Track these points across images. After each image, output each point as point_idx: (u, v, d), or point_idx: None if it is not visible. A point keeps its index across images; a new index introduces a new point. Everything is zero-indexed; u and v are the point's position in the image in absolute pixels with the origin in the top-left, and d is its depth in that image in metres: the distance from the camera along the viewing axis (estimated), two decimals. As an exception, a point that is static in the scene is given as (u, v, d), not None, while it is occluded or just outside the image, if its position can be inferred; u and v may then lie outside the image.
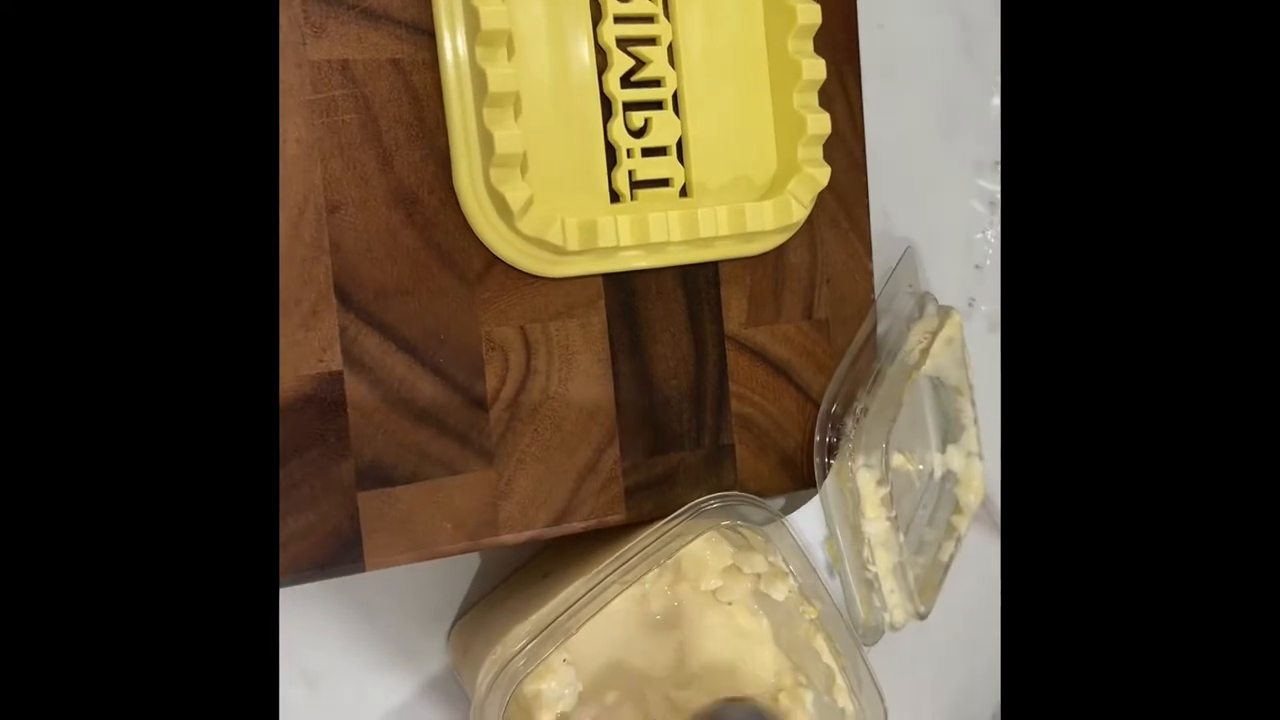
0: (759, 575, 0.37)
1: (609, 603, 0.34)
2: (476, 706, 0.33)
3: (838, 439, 0.39)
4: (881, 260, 0.43)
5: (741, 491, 0.39)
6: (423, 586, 0.40)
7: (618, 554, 0.35)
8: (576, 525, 0.37)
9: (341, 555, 0.33)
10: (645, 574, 0.35)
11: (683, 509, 0.36)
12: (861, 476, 0.39)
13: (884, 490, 0.39)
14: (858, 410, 0.39)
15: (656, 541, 0.35)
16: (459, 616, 0.40)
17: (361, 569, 0.34)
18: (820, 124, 0.37)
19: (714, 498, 0.36)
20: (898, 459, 0.43)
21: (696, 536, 0.35)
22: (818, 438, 0.39)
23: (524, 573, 0.40)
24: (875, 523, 0.39)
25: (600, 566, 0.35)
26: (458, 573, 0.41)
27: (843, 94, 0.41)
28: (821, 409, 0.40)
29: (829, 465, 0.39)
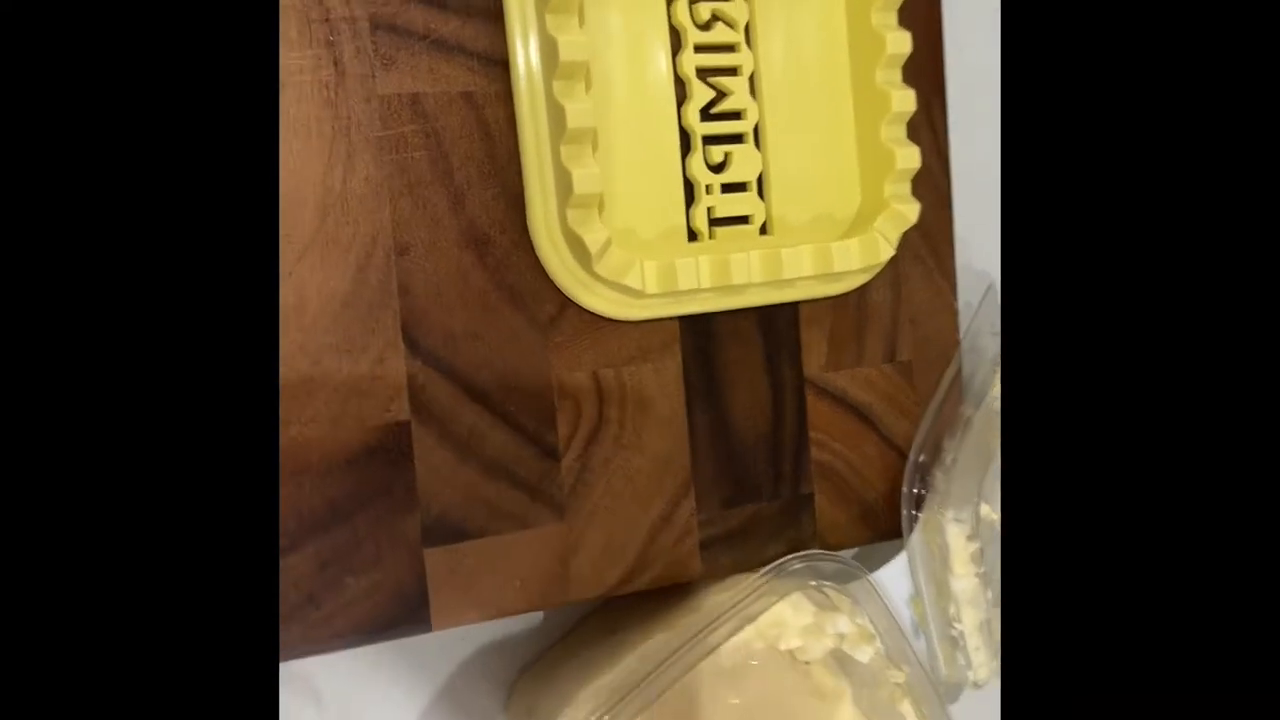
0: (842, 635, 0.35)
1: (691, 668, 0.32)
2: None
3: (925, 490, 0.37)
4: (961, 297, 0.41)
5: (821, 543, 0.37)
6: (480, 639, 0.38)
7: (696, 618, 0.33)
8: (649, 581, 0.35)
9: (407, 615, 0.32)
10: (726, 638, 0.33)
11: (765, 569, 0.34)
12: (951, 531, 0.37)
13: (974, 546, 0.36)
14: (947, 460, 0.37)
15: (737, 605, 0.33)
16: (521, 672, 0.38)
17: (427, 629, 0.32)
18: (910, 158, 0.35)
19: (797, 558, 0.34)
20: (984, 509, 0.40)
21: (780, 599, 0.33)
22: (905, 489, 0.37)
23: (588, 627, 0.38)
24: (964, 579, 0.37)
25: (677, 629, 0.33)
26: (516, 624, 0.39)
27: (929, 125, 0.39)
28: (910, 459, 0.38)
29: (916, 518, 0.37)
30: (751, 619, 0.33)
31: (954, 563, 0.37)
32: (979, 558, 0.37)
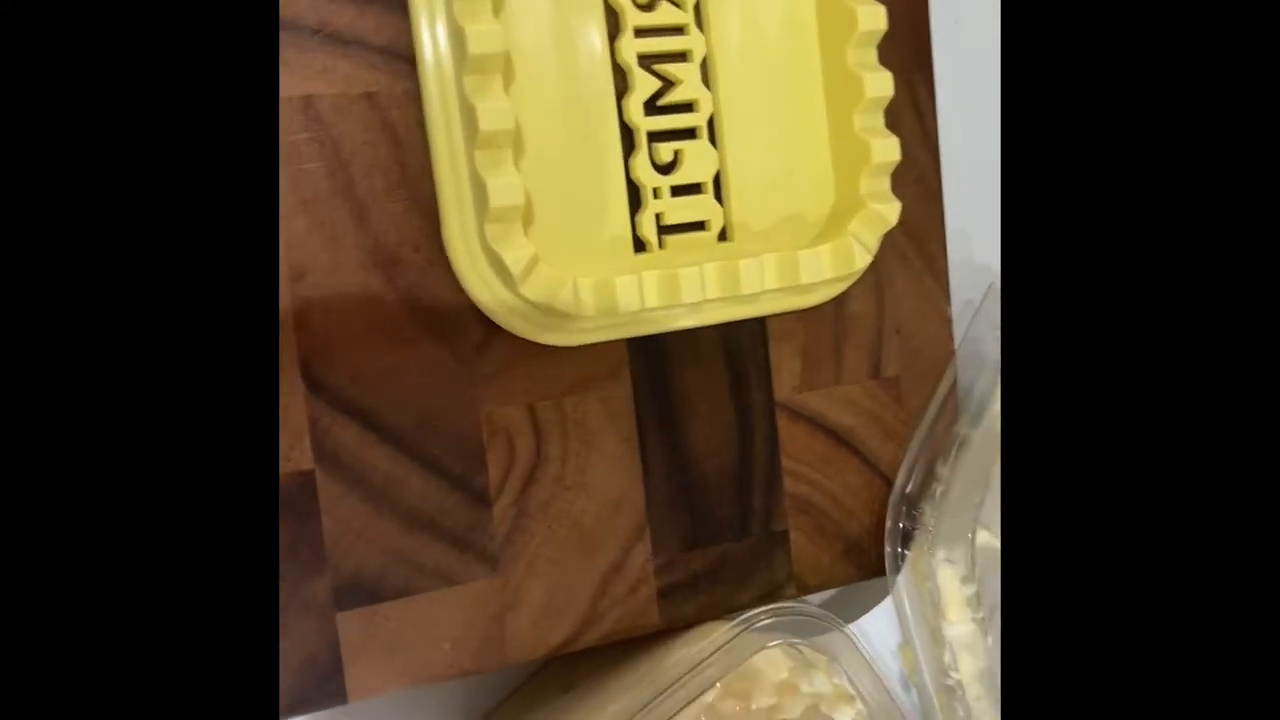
0: (820, 695, 0.31)
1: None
2: None
3: (914, 525, 0.33)
4: (961, 295, 0.37)
5: (799, 585, 0.33)
6: (418, 697, 0.35)
7: (648, 681, 0.29)
8: (599, 637, 0.31)
9: (319, 688, 0.28)
10: (684, 705, 0.29)
11: (729, 627, 0.30)
12: (943, 573, 0.32)
13: (969, 590, 0.32)
14: (937, 491, 0.33)
15: (697, 667, 0.29)
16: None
17: (343, 701, 0.29)
18: (887, 150, 0.31)
19: (764, 612, 0.30)
20: (983, 535, 0.36)
21: (748, 658, 0.29)
22: (889, 523, 0.33)
23: (539, 682, 0.35)
24: (958, 625, 0.32)
25: (639, 690, 0.29)
26: (458, 681, 0.35)
27: (913, 107, 0.34)
28: (895, 488, 0.34)
29: (903, 556, 0.33)
30: (711, 682, 0.29)
31: (947, 609, 0.32)
32: (975, 602, 0.32)
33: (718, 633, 0.31)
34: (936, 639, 0.33)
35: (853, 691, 0.31)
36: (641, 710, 0.29)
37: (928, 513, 0.33)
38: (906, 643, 0.33)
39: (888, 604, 0.33)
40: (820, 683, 0.31)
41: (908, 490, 0.33)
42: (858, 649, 0.31)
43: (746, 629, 0.30)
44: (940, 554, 0.32)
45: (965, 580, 0.32)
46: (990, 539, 0.36)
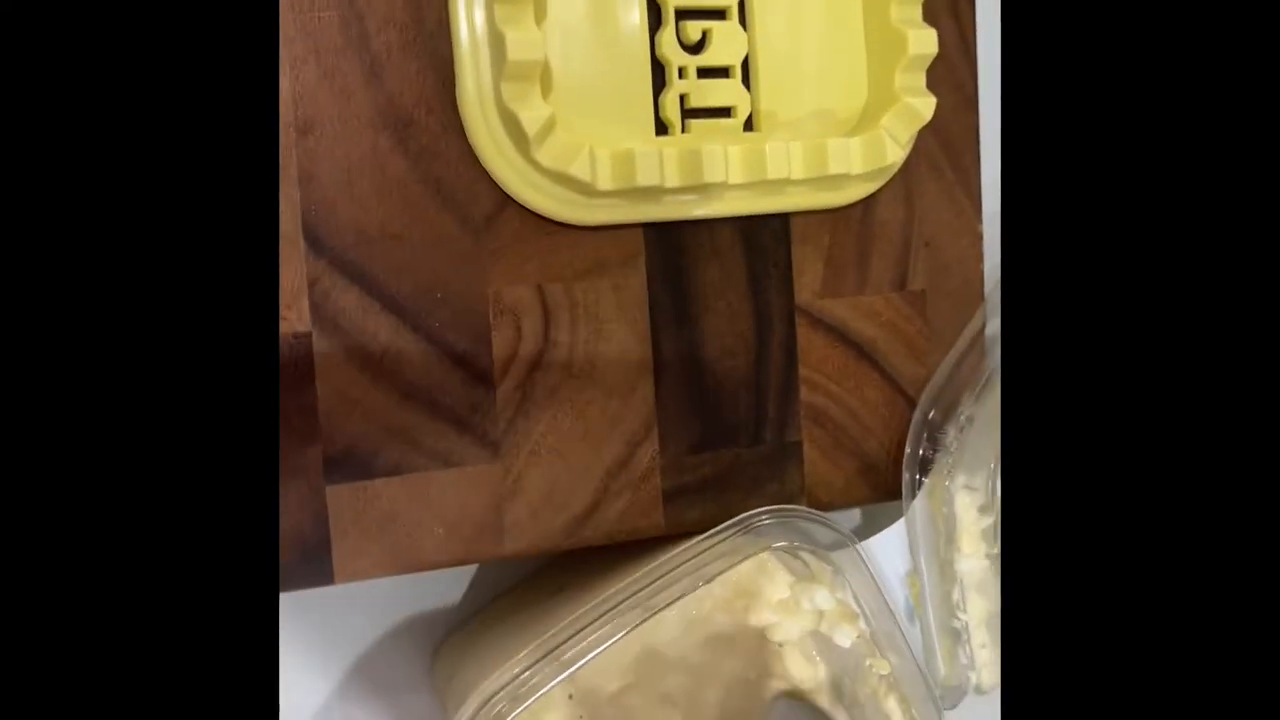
0: (821, 613, 0.29)
1: (625, 631, 0.26)
2: None
3: (935, 452, 0.31)
4: (988, 210, 0.35)
5: (810, 500, 0.32)
6: (403, 596, 0.33)
7: (641, 572, 0.28)
8: (600, 535, 0.30)
9: (304, 565, 0.27)
10: (674, 599, 0.27)
11: (729, 523, 0.29)
12: (961, 500, 0.31)
13: (987, 520, 0.31)
14: (961, 419, 0.31)
15: (692, 561, 0.28)
16: (447, 635, 0.33)
17: (329, 581, 0.27)
18: (924, 42, 0.29)
19: (768, 512, 0.29)
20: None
21: (744, 559, 0.28)
22: (909, 449, 0.32)
23: (530, 586, 0.33)
24: (972, 559, 0.31)
25: (618, 587, 0.28)
26: (447, 580, 0.34)
27: (951, 10, 0.33)
28: (916, 414, 0.32)
29: (921, 483, 0.31)
30: (708, 579, 0.27)
31: (961, 539, 0.31)
32: (991, 536, 0.31)
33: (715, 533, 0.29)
34: (947, 574, 0.31)
35: (856, 609, 0.29)
36: (622, 604, 0.28)
37: (951, 436, 0.31)
38: (915, 572, 0.31)
39: (899, 528, 0.31)
40: (822, 599, 0.29)
41: (930, 417, 0.32)
42: (864, 565, 0.30)
43: (746, 530, 0.28)
44: (960, 479, 0.31)
45: (984, 510, 0.31)
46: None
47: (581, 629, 0.26)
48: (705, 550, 0.28)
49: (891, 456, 0.33)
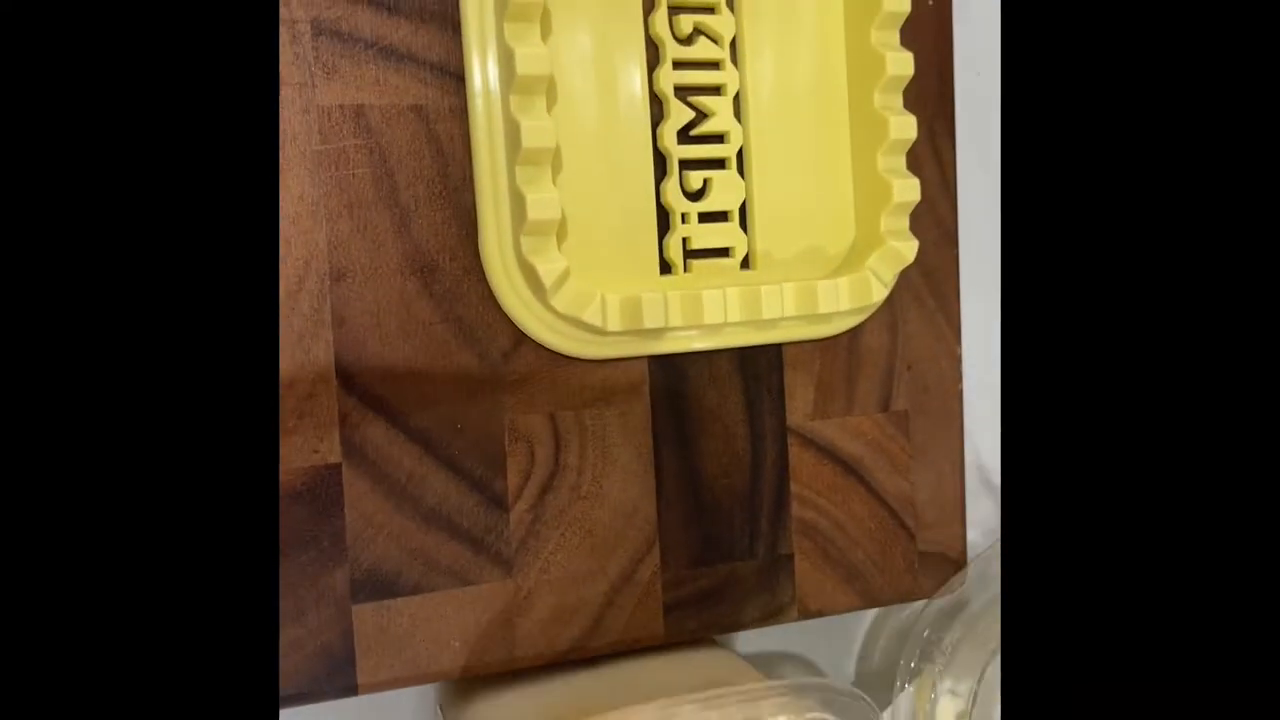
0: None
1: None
2: None
3: (925, 665, 0.34)
4: (966, 337, 0.38)
5: (801, 609, 0.34)
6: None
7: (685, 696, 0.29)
8: (605, 645, 0.32)
9: (331, 678, 0.29)
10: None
11: (779, 683, 0.30)
12: (943, 703, 0.33)
13: None
14: (953, 639, 0.33)
15: (736, 697, 0.29)
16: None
17: (353, 693, 0.29)
18: (908, 190, 0.32)
19: (816, 684, 0.30)
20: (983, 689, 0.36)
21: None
22: (902, 661, 0.34)
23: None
24: None
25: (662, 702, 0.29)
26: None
27: (933, 154, 0.35)
28: (916, 629, 0.34)
29: (916, 671, 0.34)
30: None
31: None
32: None
33: (755, 684, 0.31)
34: None
35: None
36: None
37: (947, 642, 0.33)
38: None
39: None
40: None
41: (927, 634, 0.34)
42: None
43: (797, 691, 0.30)
44: (947, 683, 0.33)
45: (960, 716, 0.33)
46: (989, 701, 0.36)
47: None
48: (751, 698, 0.29)
49: (876, 566, 0.35)
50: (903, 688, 0.33)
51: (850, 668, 0.40)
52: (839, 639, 0.39)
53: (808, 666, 0.39)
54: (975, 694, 0.32)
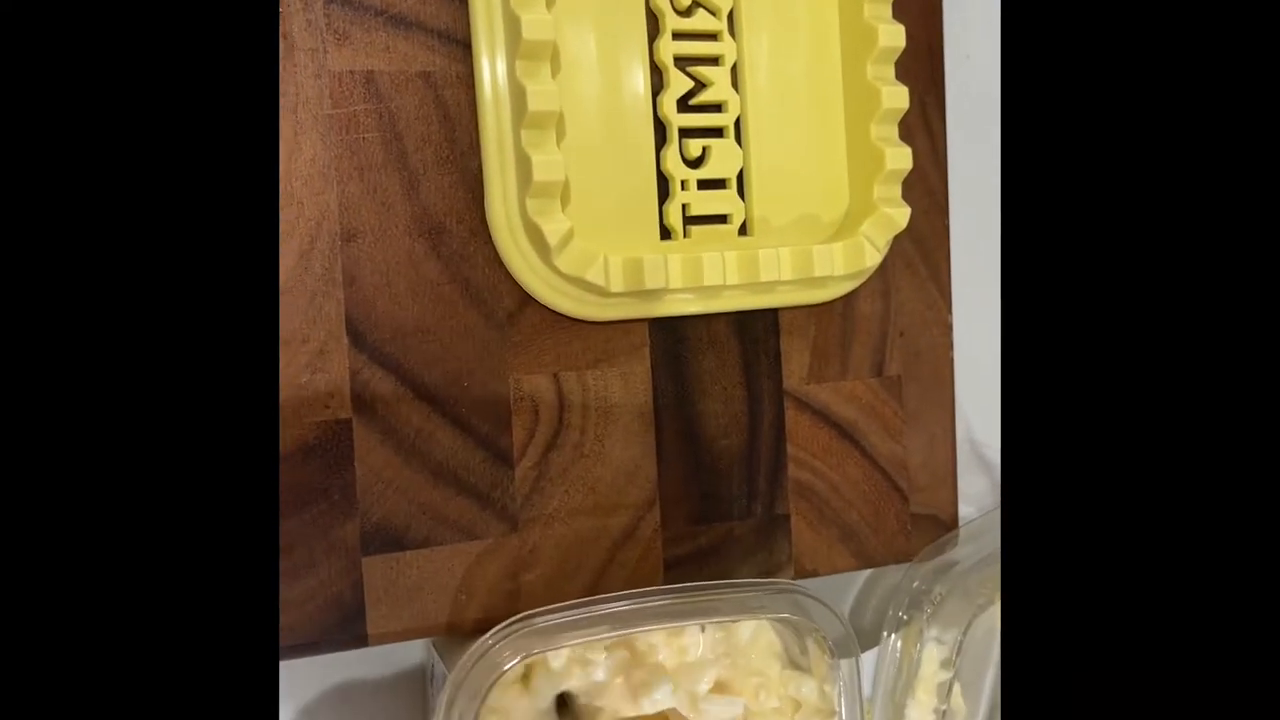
0: (799, 704, 0.32)
1: (658, 627, 0.29)
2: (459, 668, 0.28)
3: (911, 615, 0.35)
4: (957, 305, 0.39)
5: (796, 568, 0.35)
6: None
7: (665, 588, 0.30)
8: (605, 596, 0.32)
9: (341, 628, 0.30)
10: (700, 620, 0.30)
11: (759, 580, 0.31)
12: (927, 650, 0.34)
13: (945, 675, 0.34)
14: (953, 570, 0.34)
15: (722, 595, 0.30)
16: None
17: (364, 644, 0.30)
18: (900, 158, 0.33)
19: (794, 587, 0.31)
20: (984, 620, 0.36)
21: (757, 617, 0.31)
22: (890, 612, 0.35)
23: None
24: (921, 709, 0.34)
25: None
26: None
27: (925, 126, 0.36)
28: (904, 581, 0.35)
29: (904, 620, 0.35)
30: (730, 615, 0.30)
31: (917, 686, 0.34)
32: (944, 692, 0.34)
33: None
34: (897, 714, 0.34)
35: (836, 710, 0.32)
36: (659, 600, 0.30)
37: (937, 590, 0.34)
38: (870, 700, 0.34)
39: (870, 656, 0.35)
40: (808, 689, 0.32)
41: (916, 585, 0.35)
42: (857, 670, 0.32)
43: (774, 590, 0.31)
44: (934, 630, 0.34)
45: (944, 664, 0.34)
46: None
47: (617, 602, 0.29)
48: (730, 592, 0.30)
49: (870, 527, 0.36)
50: (889, 636, 0.34)
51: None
52: (830, 598, 0.40)
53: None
54: (960, 644, 0.33)
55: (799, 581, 0.34)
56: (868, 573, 0.39)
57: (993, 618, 0.34)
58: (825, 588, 0.41)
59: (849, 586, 0.40)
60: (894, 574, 0.38)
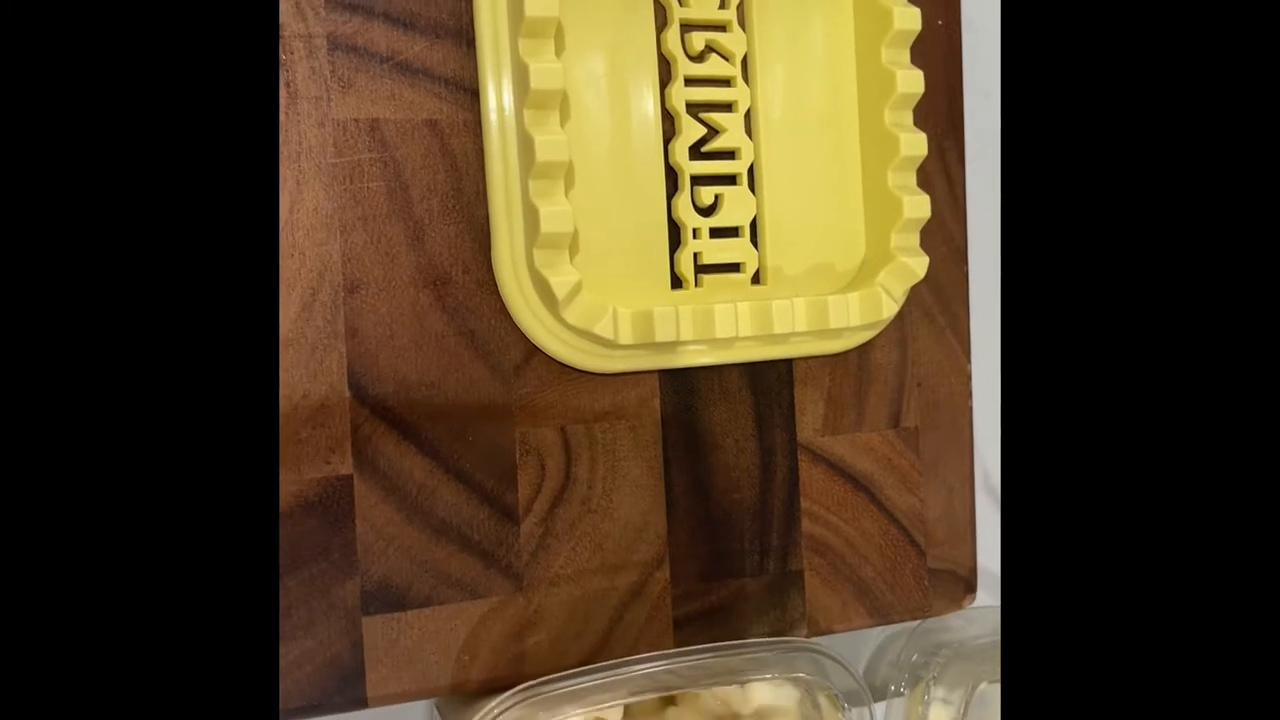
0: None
1: (650, 694, 0.28)
2: None
3: (909, 688, 0.34)
4: (976, 355, 0.38)
5: (810, 626, 0.34)
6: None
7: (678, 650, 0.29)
8: (614, 660, 0.31)
9: (341, 690, 0.29)
10: (702, 688, 0.29)
11: (770, 639, 0.30)
12: (934, 711, 0.33)
13: None
14: (941, 658, 0.33)
15: (726, 657, 0.29)
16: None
17: (363, 706, 0.29)
18: (919, 207, 0.32)
19: (807, 644, 0.30)
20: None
21: (773, 677, 0.30)
22: (896, 670, 0.34)
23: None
24: None
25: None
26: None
27: (943, 172, 0.35)
28: (903, 653, 0.35)
29: (911, 681, 0.34)
30: (737, 679, 0.29)
31: None
32: None
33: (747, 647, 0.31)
34: None
35: None
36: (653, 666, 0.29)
37: (943, 654, 0.33)
38: None
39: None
40: None
41: (915, 658, 0.34)
42: None
43: (787, 648, 0.30)
44: (939, 692, 0.33)
45: None
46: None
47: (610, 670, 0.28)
48: (738, 653, 0.29)
49: (886, 582, 0.35)
50: (897, 692, 0.33)
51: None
52: (844, 653, 0.40)
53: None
54: (967, 703, 0.32)
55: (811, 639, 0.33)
56: (880, 638, 0.38)
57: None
58: (839, 642, 0.40)
59: (863, 644, 0.39)
60: (903, 631, 0.37)
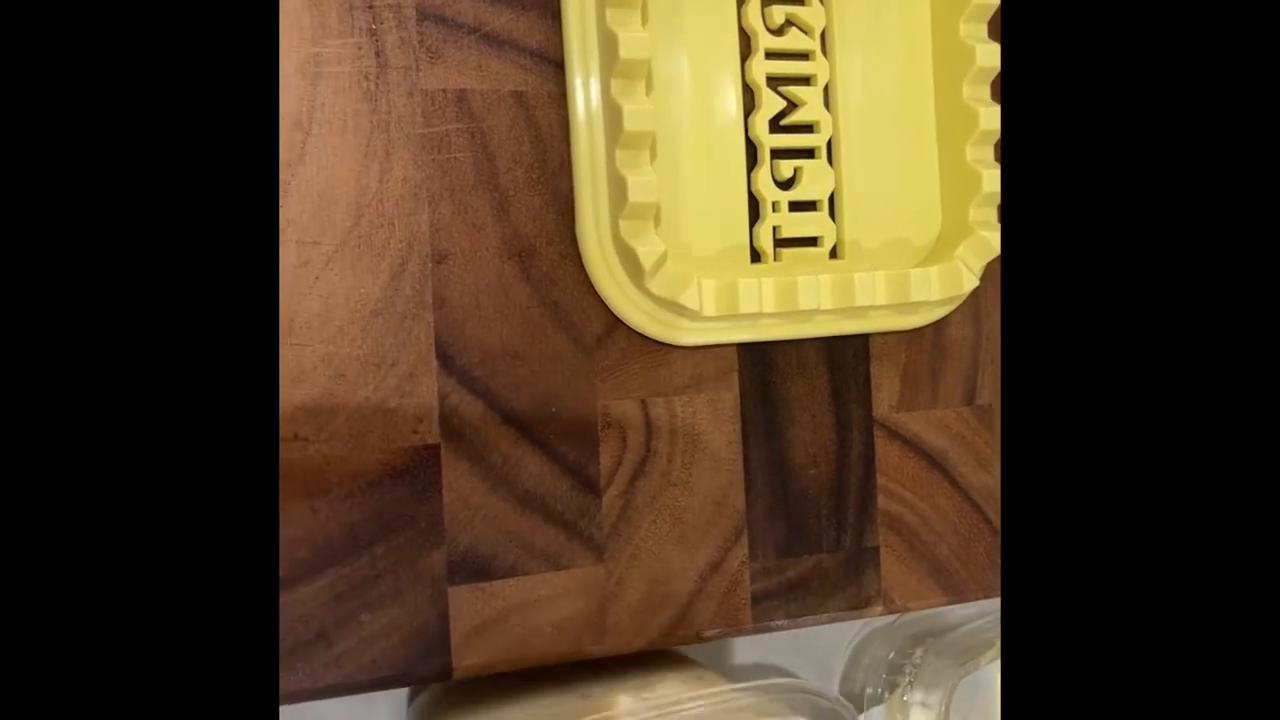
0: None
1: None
2: None
3: (889, 689, 0.34)
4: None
5: (885, 603, 0.34)
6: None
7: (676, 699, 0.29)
8: (692, 635, 0.31)
9: (426, 659, 0.29)
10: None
11: (745, 684, 0.30)
12: (914, 714, 0.33)
13: None
14: (917, 656, 0.33)
15: (704, 702, 0.29)
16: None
17: (448, 676, 0.29)
18: (997, 181, 0.32)
19: (792, 685, 0.30)
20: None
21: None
22: (874, 673, 0.34)
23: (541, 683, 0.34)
24: None
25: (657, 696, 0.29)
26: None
27: (1017, 148, 0.35)
28: (880, 652, 0.34)
29: (890, 685, 0.34)
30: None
31: None
32: None
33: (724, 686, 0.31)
34: None
35: None
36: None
37: (918, 654, 0.33)
38: None
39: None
40: None
41: (891, 656, 0.34)
42: None
43: (764, 691, 0.30)
44: (918, 695, 0.33)
45: None
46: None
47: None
48: (724, 700, 0.29)
49: (960, 560, 0.35)
50: (878, 694, 0.33)
51: (834, 687, 0.39)
52: (821, 658, 0.40)
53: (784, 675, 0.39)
54: (946, 706, 0.32)
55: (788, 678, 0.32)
56: (857, 637, 0.38)
57: (979, 674, 0.33)
58: (819, 641, 0.40)
59: (838, 644, 0.39)
60: (880, 629, 0.37)
